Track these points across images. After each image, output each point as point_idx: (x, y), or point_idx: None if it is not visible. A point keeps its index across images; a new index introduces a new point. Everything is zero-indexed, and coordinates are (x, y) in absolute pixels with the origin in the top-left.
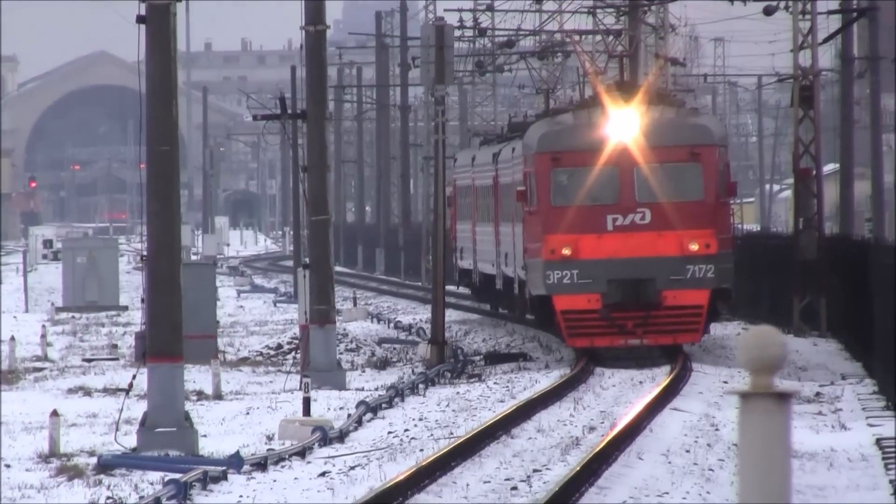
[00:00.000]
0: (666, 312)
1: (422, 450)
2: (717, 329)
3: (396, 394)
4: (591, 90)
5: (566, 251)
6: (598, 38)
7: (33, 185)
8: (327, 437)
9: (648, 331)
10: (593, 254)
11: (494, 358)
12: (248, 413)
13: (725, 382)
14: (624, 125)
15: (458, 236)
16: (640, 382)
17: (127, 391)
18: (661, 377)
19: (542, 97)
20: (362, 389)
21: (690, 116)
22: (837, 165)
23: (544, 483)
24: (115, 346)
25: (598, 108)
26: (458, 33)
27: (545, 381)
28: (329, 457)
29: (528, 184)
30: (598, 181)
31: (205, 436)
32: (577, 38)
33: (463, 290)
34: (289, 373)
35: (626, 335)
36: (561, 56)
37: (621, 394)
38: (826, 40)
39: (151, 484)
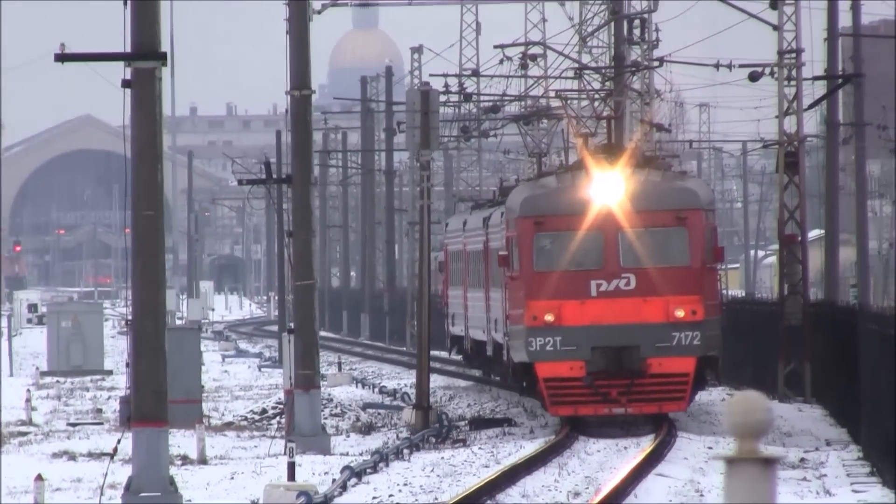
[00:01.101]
0: (651, 380)
1: None
2: (701, 395)
3: (381, 459)
4: (576, 154)
5: (549, 318)
6: (585, 102)
7: (18, 249)
8: (312, 502)
9: (633, 399)
10: (577, 320)
11: (479, 423)
12: (232, 477)
13: (710, 448)
14: (608, 188)
15: (450, 302)
16: (625, 448)
17: (111, 456)
18: (645, 443)
19: (534, 161)
20: (347, 454)
21: (677, 180)
22: (822, 231)
23: None
24: (99, 411)
25: (582, 172)
26: (443, 98)
27: (530, 446)
28: None
29: (511, 248)
30: (581, 246)
31: (189, 500)
32: (563, 101)
33: (454, 356)
34: (273, 437)
35: (610, 403)
36: (546, 121)
37: (606, 459)
38: (811, 106)
39: None
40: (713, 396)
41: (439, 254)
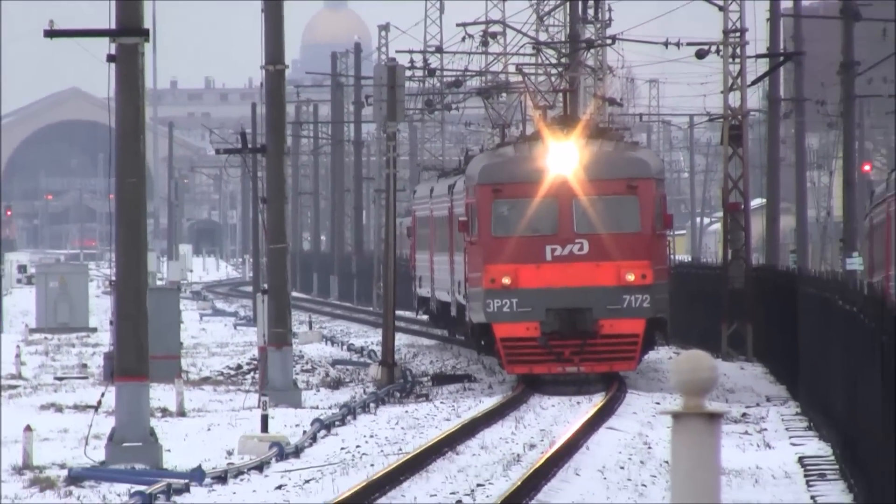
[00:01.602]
0: (603, 341)
1: (372, 465)
2: (650, 354)
3: (349, 412)
4: (534, 125)
5: (506, 280)
6: (542, 77)
7: (9, 213)
8: (284, 452)
9: (585, 358)
10: (532, 283)
11: (441, 379)
12: (209, 429)
13: (658, 403)
14: (563, 158)
15: (417, 265)
16: (578, 404)
17: (96, 408)
18: (597, 399)
19: (495, 133)
20: (317, 408)
21: (628, 150)
22: (764, 200)
23: (487, 497)
24: (84, 366)
25: (538, 142)
26: (408, 74)
27: (488, 401)
28: (285, 471)
29: (470, 214)
30: (537, 212)
31: (169, 450)
32: (522, 74)
33: (421, 317)
34: (248, 392)
35: (564, 363)
36: (505, 95)
37: (560, 414)
38: (754, 82)
39: (119, 495)
40: (661, 355)
41: (406, 219)
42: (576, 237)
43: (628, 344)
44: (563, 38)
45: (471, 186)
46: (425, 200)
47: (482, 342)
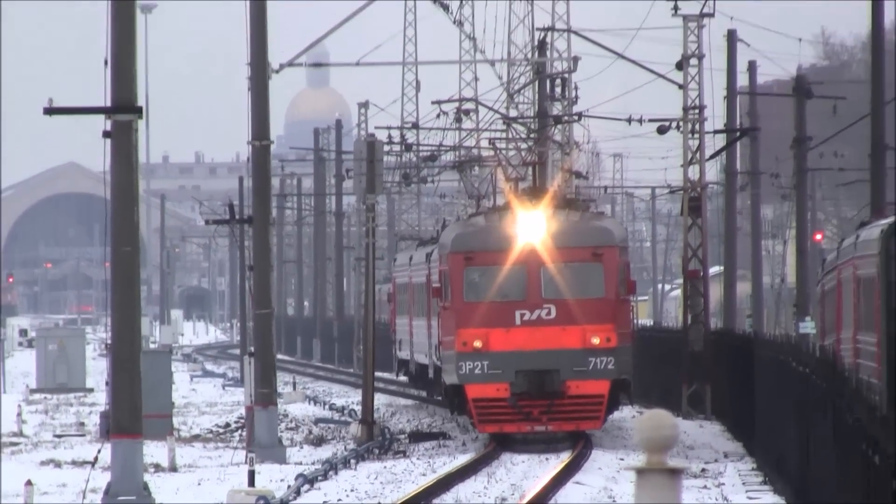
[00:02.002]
0: (570, 401)
1: None
2: (614, 413)
3: (331, 468)
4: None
5: (477, 344)
6: (513, 152)
7: (10, 280)
8: None
9: (553, 418)
10: (502, 346)
11: (418, 437)
12: (199, 484)
13: (622, 459)
14: (532, 227)
15: (397, 329)
16: (546, 460)
17: (93, 464)
18: (564, 456)
19: (470, 203)
20: (301, 463)
21: (593, 220)
22: (722, 268)
23: None
24: (82, 424)
25: (508, 212)
26: (386, 148)
27: (462, 457)
28: None
29: (443, 281)
30: (507, 279)
31: None
32: (494, 147)
33: (401, 378)
34: (236, 448)
35: (533, 422)
36: (477, 168)
37: (529, 469)
38: (712, 157)
39: None
40: (624, 414)
41: (385, 286)
42: (543, 302)
43: (594, 404)
44: (532, 115)
45: (444, 254)
46: (405, 268)
47: (455, 402)
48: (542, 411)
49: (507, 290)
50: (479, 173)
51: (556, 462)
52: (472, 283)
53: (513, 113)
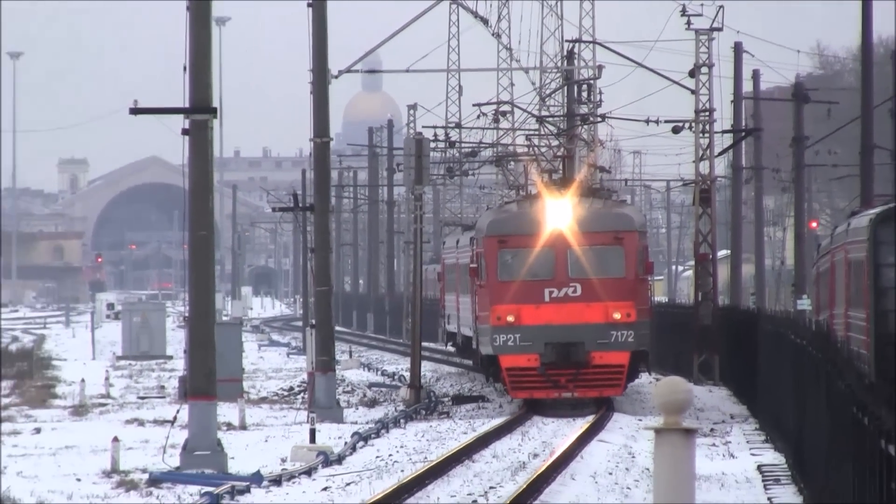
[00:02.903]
0: (593, 370)
1: (402, 470)
2: (633, 381)
3: (382, 427)
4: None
5: (510, 318)
6: (544, 147)
7: (99, 260)
8: (329, 459)
9: (579, 385)
10: (533, 321)
11: (459, 399)
12: (266, 440)
13: (640, 420)
14: (560, 213)
15: (446, 305)
16: (574, 420)
17: (172, 423)
18: (589, 418)
19: (506, 194)
20: (356, 423)
21: (615, 207)
22: (728, 251)
23: (498, 497)
24: (162, 387)
25: (538, 200)
26: (433, 145)
27: (498, 419)
28: (330, 475)
29: (479, 262)
30: (537, 260)
31: (233, 458)
32: (529, 140)
33: (449, 348)
34: (298, 409)
35: (560, 389)
36: (513, 163)
37: (558, 429)
38: (721, 154)
39: (191, 495)
40: (643, 381)
41: (431, 266)
42: (570, 281)
43: (615, 373)
44: (561, 115)
45: (480, 238)
46: (452, 250)
47: (490, 370)
48: (568, 379)
49: (537, 270)
50: (515, 167)
51: (581, 423)
52: (505, 263)
53: (544, 114)
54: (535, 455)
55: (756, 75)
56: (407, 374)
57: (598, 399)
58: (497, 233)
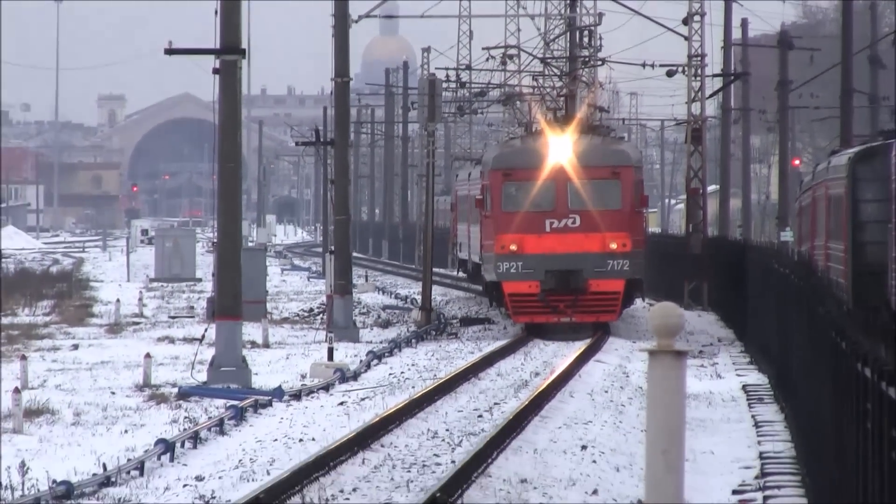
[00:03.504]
0: (591, 297)
1: (413, 387)
2: (628, 307)
3: (395, 346)
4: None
5: (513, 247)
6: (548, 88)
7: (135, 189)
8: (345, 376)
9: (577, 311)
10: (534, 249)
11: (467, 321)
12: (287, 358)
13: (634, 343)
14: (560, 149)
15: (458, 234)
16: (573, 342)
17: (200, 340)
18: (588, 341)
19: (512, 131)
20: (371, 342)
21: (613, 143)
22: (718, 186)
23: (502, 412)
24: (192, 308)
25: (541, 136)
26: (445, 85)
27: (503, 339)
28: (346, 391)
29: (485, 194)
30: (539, 192)
31: (256, 374)
32: (534, 80)
33: (460, 275)
34: (317, 329)
35: (559, 314)
36: (519, 102)
37: (558, 350)
38: (711, 95)
39: (217, 408)
40: (637, 307)
41: (443, 197)
42: (570, 213)
43: (611, 300)
44: (564, 59)
45: (485, 171)
46: (464, 183)
47: (494, 296)
48: (567, 305)
49: (539, 201)
50: (521, 106)
51: (579, 345)
52: (509, 195)
53: (548, 57)
54: (537, 374)
55: (744, 23)
56: (419, 298)
57: (595, 324)
58: (502, 166)
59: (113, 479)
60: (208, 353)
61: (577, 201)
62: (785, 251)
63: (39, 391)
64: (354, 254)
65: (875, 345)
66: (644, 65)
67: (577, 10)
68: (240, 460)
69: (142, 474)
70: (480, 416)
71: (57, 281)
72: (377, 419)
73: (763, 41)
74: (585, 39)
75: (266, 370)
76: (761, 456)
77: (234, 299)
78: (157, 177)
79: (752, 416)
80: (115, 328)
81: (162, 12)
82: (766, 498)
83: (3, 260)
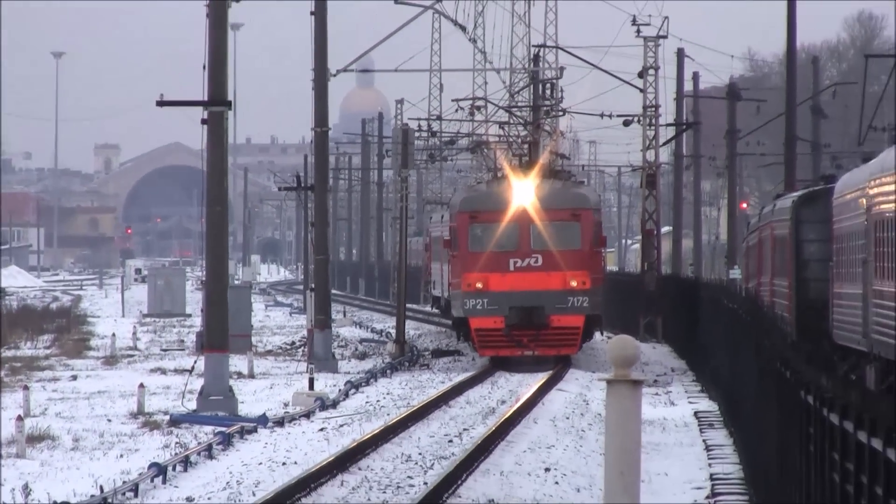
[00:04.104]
0: (553, 331)
1: (388, 414)
2: (588, 341)
3: (371, 376)
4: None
5: (479, 285)
6: (514, 135)
7: (129, 231)
8: (325, 404)
9: (539, 345)
10: (499, 287)
11: (438, 353)
12: (271, 387)
13: (593, 373)
14: (524, 192)
15: (432, 272)
16: (536, 374)
17: (190, 371)
18: (549, 371)
19: (480, 176)
20: (349, 373)
21: (573, 187)
22: (671, 228)
23: (471, 437)
24: (182, 341)
25: (505, 180)
26: (417, 134)
27: (472, 370)
28: (326, 418)
29: (452, 235)
30: (503, 233)
31: (242, 402)
32: (501, 128)
33: (433, 310)
34: (299, 361)
35: (523, 347)
36: (486, 149)
37: (523, 380)
38: (665, 143)
39: (206, 434)
40: (596, 340)
41: (415, 238)
42: (532, 252)
43: (572, 334)
44: (528, 108)
45: (453, 213)
46: (437, 224)
47: (462, 331)
48: (530, 339)
49: (503, 242)
50: (488, 153)
51: (542, 376)
52: (475, 236)
53: (512, 106)
54: (503, 402)
55: (696, 77)
56: (393, 332)
57: (557, 356)
58: (468, 209)
59: (109, 501)
60: (197, 384)
61: (540, 242)
62: (733, 288)
63: (41, 418)
64: (333, 291)
65: (817, 374)
66: (602, 115)
67: (540, 64)
68: (227, 482)
69: (136, 496)
70: (451, 441)
71: (57, 316)
72: (355, 444)
73: (713, 93)
74: (548, 91)
75: (251, 399)
76: (712, 477)
77: (222, 334)
78: (150, 220)
79: (704, 441)
80: (110, 360)
81: (153, 68)
82: None
83: (7, 297)
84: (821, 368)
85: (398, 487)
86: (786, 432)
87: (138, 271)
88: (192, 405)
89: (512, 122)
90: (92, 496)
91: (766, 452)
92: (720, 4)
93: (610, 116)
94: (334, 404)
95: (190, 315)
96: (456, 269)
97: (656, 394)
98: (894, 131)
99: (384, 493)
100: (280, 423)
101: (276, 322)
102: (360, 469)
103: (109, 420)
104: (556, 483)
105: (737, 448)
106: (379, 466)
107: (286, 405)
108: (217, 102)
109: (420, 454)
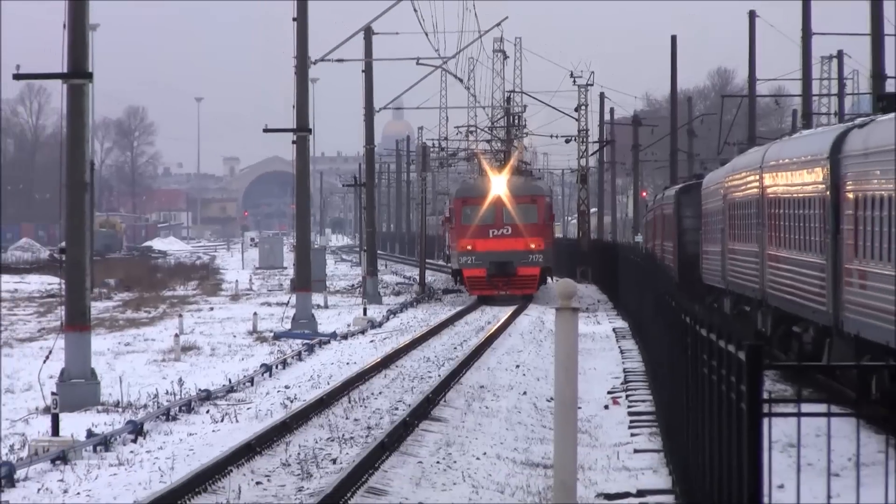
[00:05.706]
0: (519, 278)
1: (415, 330)
2: (543, 286)
3: (404, 307)
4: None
5: (469, 247)
6: (494, 148)
7: (245, 214)
8: (373, 325)
9: (510, 287)
10: (482, 248)
11: (447, 292)
12: (339, 314)
13: (547, 305)
14: (499, 184)
15: (447, 240)
16: (509, 305)
17: (286, 305)
18: (518, 305)
19: (478, 173)
20: (389, 305)
21: (532, 181)
22: (596, 209)
23: (468, 346)
24: (281, 285)
25: (485, 177)
26: (432, 150)
27: (469, 302)
28: (374, 333)
29: (451, 214)
30: (485, 212)
31: (320, 324)
32: (484, 149)
33: (449, 265)
34: (357, 297)
35: (499, 289)
36: (476, 158)
37: (501, 310)
38: (592, 154)
39: (297, 345)
40: (549, 285)
41: (433, 217)
42: (504, 225)
43: (532, 280)
44: (502, 132)
45: (451, 198)
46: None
47: (458, 278)
48: (504, 283)
49: (485, 218)
50: (477, 161)
51: (513, 307)
52: (466, 214)
53: (493, 130)
54: (489, 323)
55: (612, 110)
56: (417, 277)
57: (522, 295)
58: (462, 195)
59: (234, 388)
60: (290, 312)
61: (509, 218)
62: (638, 248)
63: (190, 335)
64: (378, 251)
65: (692, 303)
66: (552, 135)
67: (511, 103)
68: (311, 376)
69: (252, 385)
70: (455, 348)
71: (199, 269)
72: (393, 350)
73: (623, 121)
74: (516, 120)
75: (326, 322)
76: (625, 371)
77: (307, 278)
78: (259, 206)
79: (619, 347)
80: (235, 297)
81: (258, 104)
82: (627, 395)
83: (167, 256)
84: (694, 300)
85: (422, 378)
86: (672, 341)
87: (252, 240)
88: (288, 326)
89: (493, 140)
90: (223, 385)
91: (659, 354)
92: (629, 64)
93: (556, 137)
94: (380, 325)
95: (286, 267)
96: (454, 237)
97: (588, 317)
98: (739, 146)
99: (412, 382)
100: (345, 337)
101: (341, 272)
102: (396, 366)
103: (234, 336)
104: (524, 375)
105: (640, 352)
106: (409, 364)
107: (349, 325)
108: (302, 129)
109: (435, 356)
